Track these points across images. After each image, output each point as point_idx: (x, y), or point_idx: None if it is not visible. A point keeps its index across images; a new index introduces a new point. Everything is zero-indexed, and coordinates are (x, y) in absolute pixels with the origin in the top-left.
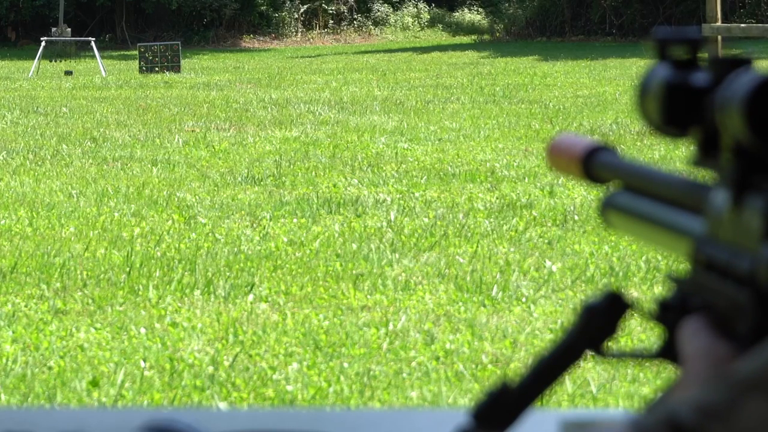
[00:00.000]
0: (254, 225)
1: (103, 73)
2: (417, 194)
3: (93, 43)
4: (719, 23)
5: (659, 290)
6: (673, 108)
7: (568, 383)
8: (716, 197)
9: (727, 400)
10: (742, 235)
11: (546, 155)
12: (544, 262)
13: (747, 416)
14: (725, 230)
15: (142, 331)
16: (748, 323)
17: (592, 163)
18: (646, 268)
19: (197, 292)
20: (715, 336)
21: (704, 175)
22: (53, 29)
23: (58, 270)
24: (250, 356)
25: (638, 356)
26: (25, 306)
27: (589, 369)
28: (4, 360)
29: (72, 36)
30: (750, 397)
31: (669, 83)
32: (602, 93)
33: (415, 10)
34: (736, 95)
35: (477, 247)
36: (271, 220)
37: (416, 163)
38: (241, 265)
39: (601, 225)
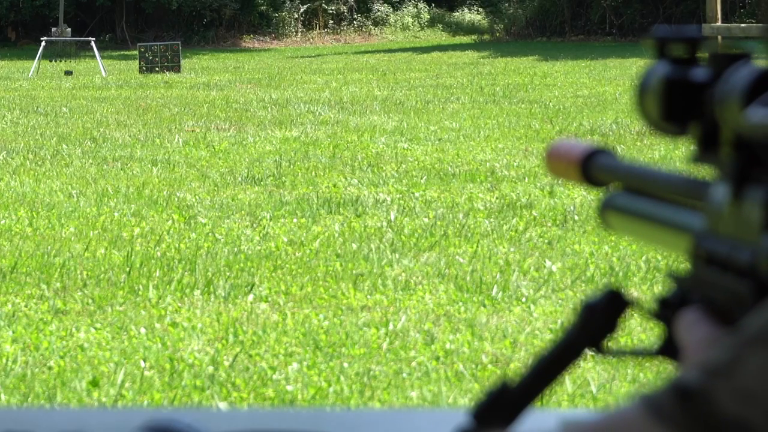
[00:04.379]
0: (254, 225)
1: (103, 73)
2: (417, 194)
3: (93, 43)
4: (719, 23)
5: (659, 290)
6: (673, 103)
7: (568, 383)
8: (716, 192)
9: (730, 357)
10: (742, 227)
11: (545, 161)
12: (544, 262)
13: (751, 370)
14: (725, 224)
15: (142, 331)
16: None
17: (591, 166)
18: (646, 267)
19: (197, 292)
20: (714, 325)
21: (703, 172)
22: (53, 29)
23: (58, 270)
24: (250, 356)
25: (638, 354)
26: (25, 306)
27: (589, 369)
28: (4, 360)
29: (72, 36)
30: (753, 351)
31: (668, 78)
32: (602, 93)
33: (415, 10)
34: (735, 88)
35: (477, 247)
36: (271, 220)
37: (416, 163)
38: (241, 265)
39: (601, 227)
